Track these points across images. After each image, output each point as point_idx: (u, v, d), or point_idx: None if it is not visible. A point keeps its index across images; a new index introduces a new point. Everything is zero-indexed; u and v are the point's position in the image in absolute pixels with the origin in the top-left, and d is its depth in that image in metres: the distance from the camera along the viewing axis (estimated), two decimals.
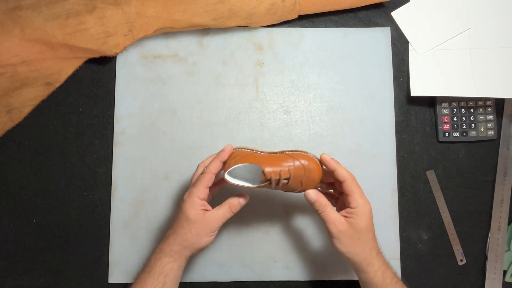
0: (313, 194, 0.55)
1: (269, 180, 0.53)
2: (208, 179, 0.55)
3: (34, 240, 0.68)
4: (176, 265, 0.55)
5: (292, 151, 0.57)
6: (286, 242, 0.68)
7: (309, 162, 0.55)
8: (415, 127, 0.71)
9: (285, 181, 0.54)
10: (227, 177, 0.54)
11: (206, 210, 0.55)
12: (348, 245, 0.54)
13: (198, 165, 0.59)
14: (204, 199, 0.55)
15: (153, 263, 0.55)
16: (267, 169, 0.53)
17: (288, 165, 0.54)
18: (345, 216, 0.54)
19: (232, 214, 0.56)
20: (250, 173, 0.57)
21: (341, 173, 0.55)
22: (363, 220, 0.54)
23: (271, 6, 0.66)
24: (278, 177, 0.53)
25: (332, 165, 0.55)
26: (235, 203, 0.56)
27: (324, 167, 0.57)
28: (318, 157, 0.57)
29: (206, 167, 0.56)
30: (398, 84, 0.71)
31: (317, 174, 0.55)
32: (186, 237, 0.55)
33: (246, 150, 0.57)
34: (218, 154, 0.56)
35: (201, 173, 0.56)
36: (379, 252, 0.56)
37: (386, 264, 0.56)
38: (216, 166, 0.55)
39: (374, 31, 0.72)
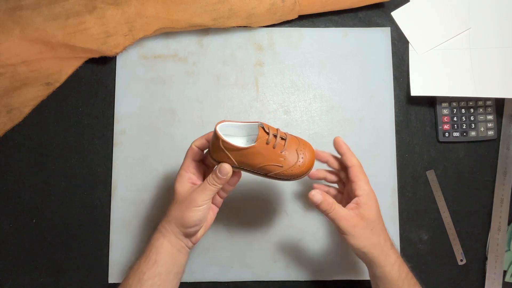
0: (318, 195, 0.52)
1: (267, 134, 0.51)
2: (190, 151, 0.55)
3: (34, 240, 0.68)
4: (166, 242, 0.53)
5: None
6: (286, 242, 0.68)
7: (301, 139, 0.55)
8: (415, 127, 0.71)
9: (282, 141, 0.52)
10: (218, 130, 0.50)
11: (194, 184, 0.54)
12: (363, 239, 0.52)
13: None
14: (192, 173, 0.55)
15: (148, 242, 0.55)
16: (265, 124, 0.52)
17: (283, 131, 0.54)
18: (354, 208, 0.53)
19: (213, 187, 0.52)
20: (245, 131, 0.55)
21: (350, 158, 0.55)
22: (373, 209, 0.53)
23: (271, 6, 0.66)
24: (275, 132, 0.52)
25: (343, 148, 0.56)
26: (212, 176, 0.52)
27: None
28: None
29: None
30: (398, 84, 0.71)
31: (311, 149, 0.54)
32: (171, 211, 0.54)
33: None
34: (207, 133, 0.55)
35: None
36: (392, 244, 0.54)
37: (401, 257, 0.54)
38: (199, 141, 0.55)
39: (374, 31, 0.72)
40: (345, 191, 0.59)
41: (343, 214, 0.52)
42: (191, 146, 0.55)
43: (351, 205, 0.54)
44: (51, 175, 0.69)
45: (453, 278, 0.68)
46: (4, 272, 0.67)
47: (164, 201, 0.68)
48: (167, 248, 0.54)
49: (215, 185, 0.52)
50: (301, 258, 0.68)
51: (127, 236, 0.68)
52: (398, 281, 0.52)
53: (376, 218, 0.53)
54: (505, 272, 0.67)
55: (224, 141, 0.50)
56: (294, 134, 0.55)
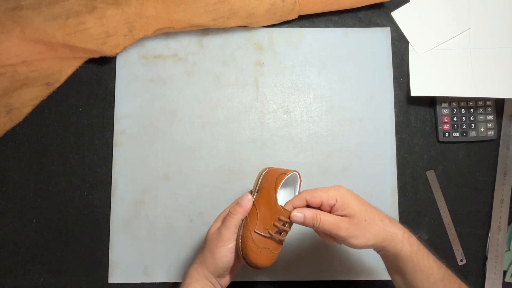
0: (298, 214, 0.50)
1: (286, 222, 0.52)
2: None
3: (34, 240, 0.68)
4: (198, 285, 0.53)
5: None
6: (286, 242, 0.68)
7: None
8: (415, 127, 0.71)
9: (279, 234, 0.53)
10: (284, 179, 0.54)
11: None
12: (363, 234, 0.49)
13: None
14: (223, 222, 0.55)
15: (180, 286, 0.55)
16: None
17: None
18: (337, 215, 0.50)
19: (234, 218, 0.53)
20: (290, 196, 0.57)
21: (298, 203, 0.51)
22: (350, 204, 0.49)
23: (271, 6, 0.66)
24: (288, 229, 0.53)
25: (291, 207, 0.52)
26: (234, 206, 0.54)
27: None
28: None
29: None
30: (398, 84, 0.71)
31: (268, 262, 0.54)
32: (203, 254, 0.54)
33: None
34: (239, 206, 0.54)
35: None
36: (391, 219, 0.51)
37: (407, 229, 0.51)
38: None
39: (374, 31, 0.72)
40: (322, 209, 0.54)
41: (332, 221, 0.49)
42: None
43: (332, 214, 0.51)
44: (51, 175, 0.69)
45: None
46: (4, 272, 0.67)
47: (164, 202, 0.68)
48: None
49: (235, 214, 0.52)
50: (301, 258, 0.68)
51: (127, 236, 0.68)
52: (411, 255, 0.50)
53: (361, 206, 0.50)
54: (505, 272, 0.67)
55: (277, 185, 0.53)
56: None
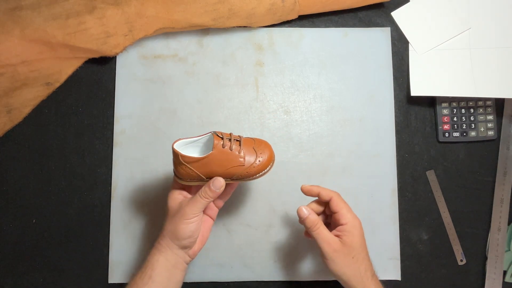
0: (305, 210, 0.55)
1: (221, 139, 0.54)
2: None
3: (34, 240, 0.68)
4: (162, 257, 0.54)
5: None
6: (286, 242, 0.68)
7: (256, 138, 0.58)
8: (415, 127, 0.71)
9: (237, 142, 0.55)
10: (175, 147, 0.53)
11: (186, 197, 0.56)
12: (343, 266, 0.53)
13: None
14: (182, 188, 0.57)
15: (145, 259, 0.56)
16: (218, 131, 0.55)
17: (237, 135, 0.57)
18: (337, 236, 0.54)
19: (204, 201, 0.53)
20: (204, 145, 0.57)
21: (326, 193, 0.56)
22: (355, 237, 0.53)
23: (271, 6, 0.66)
24: (229, 136, 0.55)
25: (314, 190, 0.57)
26: (204, 189, 0.54)
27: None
28: None
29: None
30: (398, 84, 0.71)
31: (267, 144, 0.57)
32: (165, 226, 0.55)
33: None
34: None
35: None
36: (374, 275, 0.54)
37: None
38: None
39: (374, 31, 0.72)
40: (331, 222, 0.58)
41: (326, 236, 0.53)
42: None
43: (334, 232, 0.55)
44: (51, 175, 0.69)
45: (453, 278, 0.68)
46: (4, 272, 0.67)
47: (164, 202, 0.68)
48: (163, 263, 0.54)
49: (206, 198, 0.53)
50: (301, 258, 0.68)
51: (127, 236, 0.68)
52: None
53: (359, 246, 0.53)
54: (505, 272, 0.67)
55: (182, 156, 0.53)
56: (257, 136, 0.59)
